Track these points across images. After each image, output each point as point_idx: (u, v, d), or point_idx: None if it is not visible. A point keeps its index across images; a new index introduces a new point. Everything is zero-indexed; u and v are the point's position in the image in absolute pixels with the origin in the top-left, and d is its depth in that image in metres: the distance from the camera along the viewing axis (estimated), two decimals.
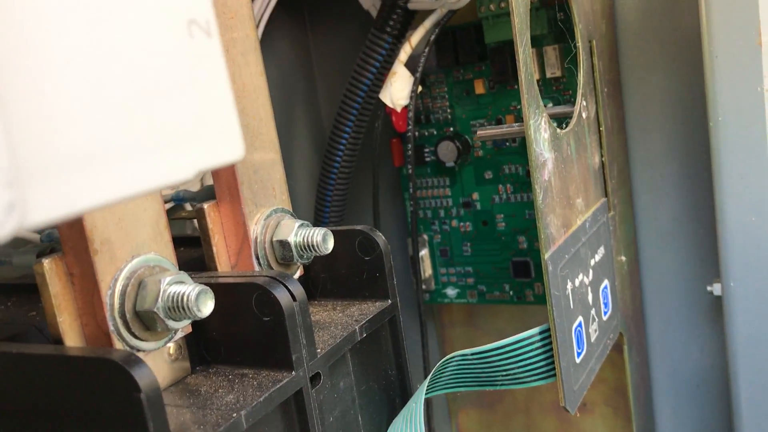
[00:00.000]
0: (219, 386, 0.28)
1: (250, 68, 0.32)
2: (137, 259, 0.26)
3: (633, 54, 0.50)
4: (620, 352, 0.50)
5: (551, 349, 0.36)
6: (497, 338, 0.59)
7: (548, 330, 0.36)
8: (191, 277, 0.30)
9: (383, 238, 0.35)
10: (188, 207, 0.36)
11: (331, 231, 0.34)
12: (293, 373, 0.28)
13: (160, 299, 0.25)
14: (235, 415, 0.25)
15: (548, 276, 0.35)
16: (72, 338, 0.25)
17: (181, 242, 0.39)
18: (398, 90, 0.47)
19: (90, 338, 0.25)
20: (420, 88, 0.49)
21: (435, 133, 0.54)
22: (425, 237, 0.56)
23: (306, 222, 0.33)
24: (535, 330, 0.36)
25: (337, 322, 0.33)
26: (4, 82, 0.11)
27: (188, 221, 0.48)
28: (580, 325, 0.39)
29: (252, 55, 0.32)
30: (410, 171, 0.49)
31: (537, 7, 0.47)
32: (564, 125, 0.41)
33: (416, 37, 0.47)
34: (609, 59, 0.48)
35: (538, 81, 0.49)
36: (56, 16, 0.13)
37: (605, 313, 0.44)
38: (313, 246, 0.32)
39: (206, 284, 0.29)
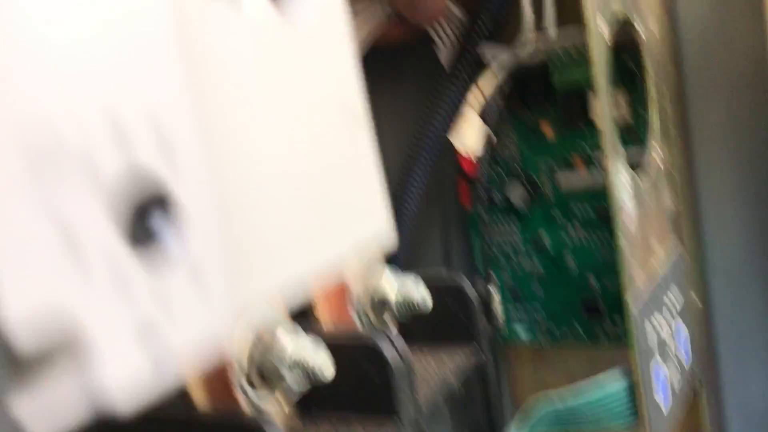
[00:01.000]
0: None
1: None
2: (256, 314, 0.27)
3: (700, 97, 0.51)
4: (697, 396, 0.50)
5: (635, 398, 0.37)
6: (568, 378, 0.59)
7: (631, 377, 0.37)
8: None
9: (473, 288, 0.36)
10: None
11: (425, 280, 0.35)
12: (401, 430, 0.29)
13: (286, 359, 0.26)
14: None
15: (631, 320, 0.36)
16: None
17: None
18: (470, 137, 0.48)
19: (214, 391, 0.27)
20: (494, 139, 0.50)
21: (503, 174, 0.55)
22: (494, 277, 0.57)
23: (407, 276, 0.34)
24: (621, 383, 0.37)
25: (431, 370, 0.34)
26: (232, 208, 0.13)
27: None
28: (659, 367, 0.40)
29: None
30: (482, 216, 0.50)
31: None
32: (637, 170, 0.42)
33: (487, 83, 0.48)
34: (677, 103, 0.48)
35: None
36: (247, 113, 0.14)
37: (685, 358, 0.44)
38: (413, 306, 0.33)
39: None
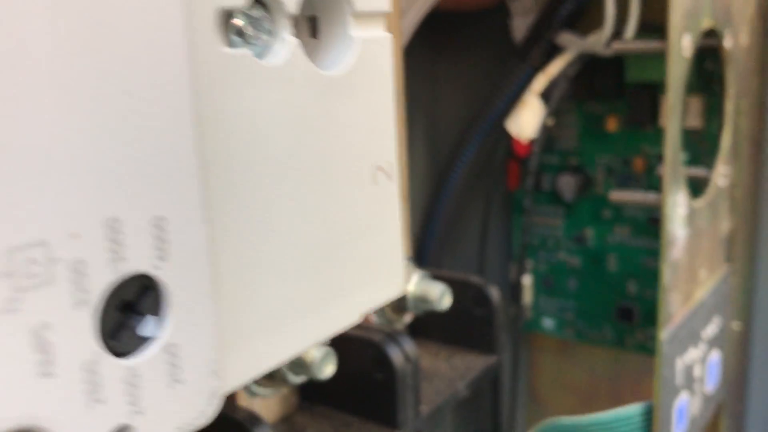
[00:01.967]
0: None
1: None
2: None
3: None
4: (716, 417, 0.48)
5: (650, 427, 0.36)
6: (589, 376, 0.58)
7: (650, 409, 0.35)
8: None
9: (497, 293, 0.34)
10: None
11: (446, 277, 0.35)
12: None
13: None
14: None
15: (662, 357, 0.34)
16: None
17: None
18: (527, 122, 0.46)
19: None
20: (551, 122, 0.47)
21: (557, 162, 0.53)
22: (530, 264, 0.55)
23: (425, 272, 0.33)
24: (637, 407, 0.35)
25: (442, 374, 0.33)
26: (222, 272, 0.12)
27: None
28: (683, 402, 0.38)
29: None
30: (527, 204, 0.48)
31: None
32: (699, 191, 0.39)
33: (554, 68, 0.46)
34: (756, 117, 0.45)
35: None
36: (274, 180, 0.13)
37: (710, 385, 0.42)
38: (429, 301, 0.32)
39: None
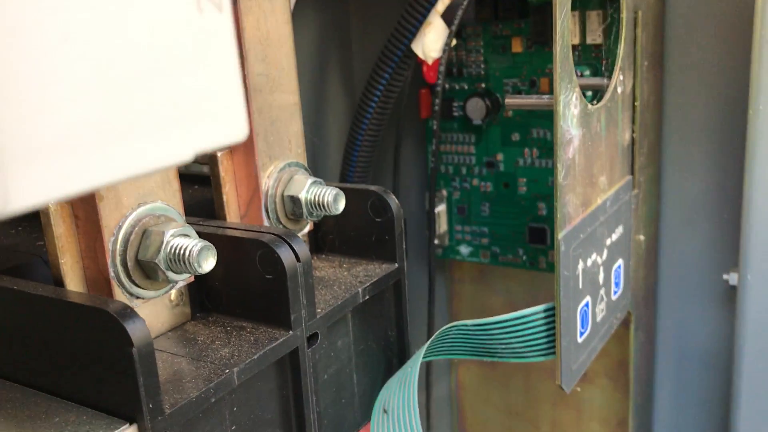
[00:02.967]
0: (216, 337, 0.28)
1: (276, 16, 0.31)
2: (143, 207, 0.26)
3: (680, 27, 0.48)
4: (626, 327, 0.50)
5: (554, 328, 0.36)
6: (506, 299, 0.59)
7: (553, 308, 0.36)
8: (199, 224, 0.30)
9: (396, 201, 0.34)
10: None
11: (345, 189, 0.34)
12: (290, 332, 0.28)
13: (162, 251, 0.25)
14: (227, 371, 0.25)
15: (560, 256, 0.35)
16: (73, 280, 0.25)
17: (195, 180, 0.38)
18: (431, 41, 0.46)
19: (90, 281, 0.25)
20: (454, 41, 0.47)
21: (466, 87, 0.53)
22: (444, 193, 0.56)
23: (319, 180, 0.32)
24: (540, 308, 0.36)
25: (342, 281, 0.33)
26: None
27: None
28: (587, 305, 0.39)
29: (279, 2, 0.31)
30: (435, 126, 0.48)
31: None
32: (597, 99, 0.40)
33: None
34: (654, 31, 0.46)
35: (577, 46, 0.47)
36: None
37: (615, 292, 0.43)
38: (323, 205, 0.31)
39: (212, 234, 0.29)
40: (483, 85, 0.52)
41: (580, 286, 0.38)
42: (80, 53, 0.12)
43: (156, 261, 0.25)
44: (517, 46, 0.50)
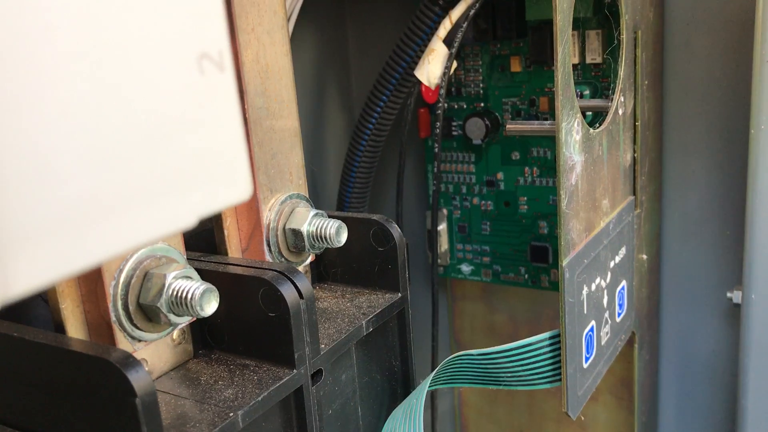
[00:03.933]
0: (219, 377, 0.28)
1: (276, 47, 0.31)
2: (144, 249, 0.25)
3: (680, 44, 0.48)
4: (630, 345, 0.49)
5: (560, 355, 0.36)
6: (509, 317, 0.59)
7: (558, 336, 0.35)
8: (200, 259, 0.30)
9: (398, 230, 0.34)
10: None
11: (347, 218, 0.34)
12: (294, 371, 0.28)
13: (163, 294, 0.24)
14: (232, 414, 0.25)
15: (564, 282, 0.34)
16: (73, 325, 0.25)
17: None
18: (436, 68, 0.46)
19: (92, 325, 0.25)
20: (455, 65, 0.47)
21: (465, 107, 0.53)
22: (445, 211, 0.55)
23: (321, 211, 0.32)
24: (545, 335, 0.36)
25: (345, 312, 0.33)
26: None
27: None
28: (591, 329, 0.39)
29: (278, 34, 0.31)
30: (436, 149, 0.48)
31: None
32: (599, 121, 0.39)
33: (457, 12, 0.45)
34: (653, 49, 0.46)
35: (577, 66, 0.47)
36: (51, 51, 0.12)
37: (619, 314, 0.43)
38: (326, 238, 0.31)
39: (213, 271, 0.28)
40: (482, 105, 0.52)
41: (585, 311, 0.37)
42: (79, 126, 0.12)
43: (158, 305, 0.24)
44: (515, 66, 0.50)
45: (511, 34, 0.49)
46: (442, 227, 0.55)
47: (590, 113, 0.45)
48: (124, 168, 0.13)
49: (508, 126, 0.41)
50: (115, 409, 0.22)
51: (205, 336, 0.30)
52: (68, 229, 0.12)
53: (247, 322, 0.28)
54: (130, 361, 0.21)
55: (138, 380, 0.21)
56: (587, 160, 0.36)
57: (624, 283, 0.44)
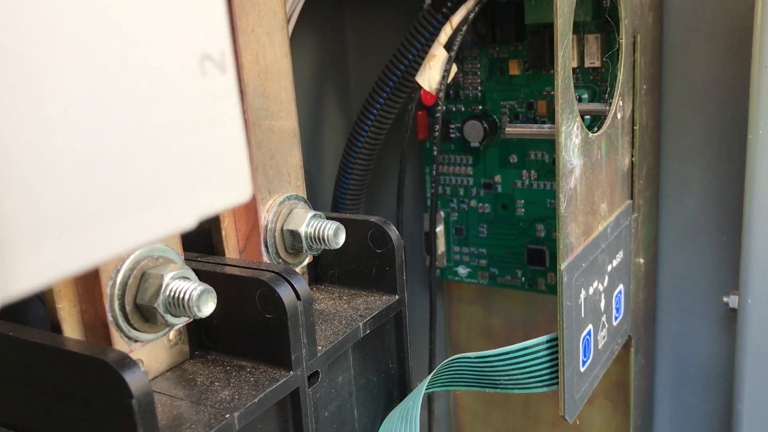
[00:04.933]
0: (216, 378, 0.28)
1: (275, 49, 0.31)
2: (142, 249, 0.25)
3: (678, 49, 0.48)
4: (627, 349, 0.49)
5: (557, 358, 0.36)
6: (505, 320, 0.59)
7: (555, 339, 0.35)
8: (198, 260, 0.30)
9: (396, 232, 0.34)
10: None
11: (345, 220, 0.34)
12: (291, 372, 0.27)
13: (161, 294, 0.24)
14: (228, 416, 0.25)
15: (562, 286, 0.34)
16: (70, 325, 0.25)
17: None
18: (436, 74, 0.46)
19: (88, 325, 0.25)
20: (455, 69, 0.47)
21: (463, 109, 0.52)
22: (442, 214, 0.55)
23: (319, 213, 0.32)
24: (542, 339, 0.36)
25: (342, 314, 0.33)
26: None
27: None
28: (589, 333, 0.39)
29: (278, 35, 0.31)
30: (435, 152, 0.48)
31: None
32: (597, 125, 0.39)
33: (458, 17, 0.45)
34: (652, 54, 0.46)
35: (576, 69, 0.47)
36: (52, 53, 0.12)
37: (616, 318, 0.43)
38: (323, 239, 0.31)
39: (211, 272, 0.28)
40: (480, 108, 0.52)
41: (582, 315, 0.37)
42: (80, 127, 0.12)
43: (155, 305, 0.24)
44: (514, 69, 0.50)
45: (509, 37, 0.49)
46: (440, 229, 0.55)
47: (589, 117, 0.45)
48: (124, 169, 0.13)
49: (507, 129, 0.41)
50: (112, 409, 0.22)
51: (201, 337, 0.30)
52: (68, 230, 0.12)
53: (244, 324, 0.28)
54: (126, 361, 0.21)
55: (134, 381, 0.21)
56: (586, 163, 0.36)
57: (621, 287, 0.44)
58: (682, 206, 0.51)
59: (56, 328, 0.25)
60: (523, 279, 0.54)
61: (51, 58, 0.11)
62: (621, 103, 0.41)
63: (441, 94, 0.47)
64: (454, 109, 0.53)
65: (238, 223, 0.31)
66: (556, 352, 0.36)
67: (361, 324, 0.32)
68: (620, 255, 0.43)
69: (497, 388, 0.37)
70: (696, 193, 0.50)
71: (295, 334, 0.27)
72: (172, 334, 0.28)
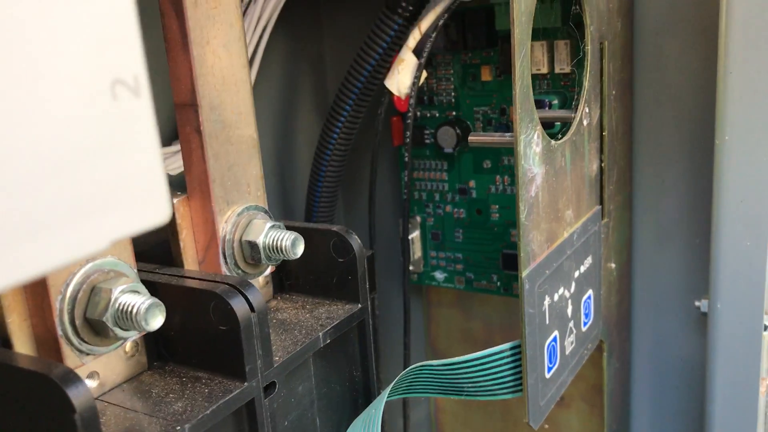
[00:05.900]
0: (171, 390, 0.28)
1: (232, 60, 0.31)
2: (92, 263, 0.25)
3: (649, 54, 0.48)
4: (601, 352, 0.49)
5: (521, 365, 0.36)
6: (483, 323, 0.59)
7: (519, 346, 0.36)
8: (155, 272, 0.30)
9: (358, 241, 0.34)
10: None
11: (307, 229, 0.34)
12: (246, 384, 0.28)
13: (109, 308, 0.25)
14: (179, 428, 0.25)
15: (524, 294, 0.35)
16: (20, 339, 0.25)
17: None
18: (405, 78, 0.46)
19: (39, 340, 0.25)
20: (425, 74, 0.47)
21: (437, 115, 0.53)
22: (419, 219, 0.55)
23: (278, 223, 0.32)
24: (506, 346, 0.36)
25: (303, 324, 0.33)
26: None
27: None
28: (554, 339, 0.39)
29: (235, 46, 0.31)
30: (407, 158, 0.48)
31: None
32: (563, 132, 0.40)
33: (426, 22, 0.45)
34: (621, 59, 0.46)
35: (546, 75, 0.47)
36: None
37: (585, 323, 0.43)
38: (281, 250, 0.31)
39: (167, 284, 0.28)
40: (454, 114, 0.52)
41: (547, 321, 0.38)
42: None
43: (104, 319, 0.24)
44: (486, 75, 0.50)
45: (481, 43, 0.49)
46: (416, 234, 0.55)
47: (558, 124, 0.45)
48: (28, 194, 0.13)
49: (470, 137, 0.41)
50: (56, 424, 0.22)
51: (159, 348, 0.30)
52: None
53: (200, 335, 0.28)
54: (70, 377, 0.21)
55: (78, 396, 0.21)
56: (548, 171, 0.36)
57: (590, 292, 0.44)
58: (656, 210, 0.51)
59: (6, 342, 0.25)
60: (498, 283, 0.54)
61: None
62: (587, 110, 0.41)
63: (412, 100, 0.47)
64: (428, 114, 0.53)
65: (196, 234, 0.31)
66: (520, 359, 0.36)
67: (321, 333, 0.32)
68: (589, 261, 0.43)
69: (462, 394, 0.37)
70: (670, 197, 0.50)
71: (249, 346, 0.28)
72: (128, 346, 0.28)
